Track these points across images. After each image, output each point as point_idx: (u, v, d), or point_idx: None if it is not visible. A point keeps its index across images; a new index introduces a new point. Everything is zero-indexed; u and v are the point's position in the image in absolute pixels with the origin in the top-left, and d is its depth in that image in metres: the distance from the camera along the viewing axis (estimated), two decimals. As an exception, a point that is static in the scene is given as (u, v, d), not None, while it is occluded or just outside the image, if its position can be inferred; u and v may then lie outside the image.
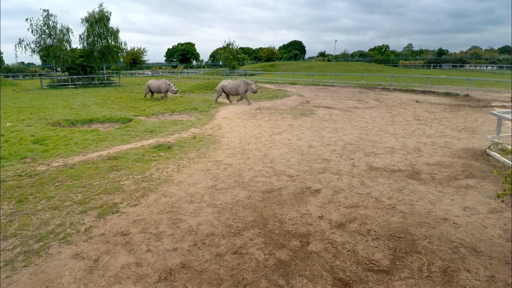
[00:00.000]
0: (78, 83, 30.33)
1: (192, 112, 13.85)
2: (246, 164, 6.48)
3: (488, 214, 4.26)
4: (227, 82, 16.73)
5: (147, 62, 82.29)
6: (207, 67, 76.94)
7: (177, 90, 18.45)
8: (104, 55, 33.14)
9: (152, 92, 18.97)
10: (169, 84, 17.83)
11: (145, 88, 19.24)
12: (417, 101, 16.29)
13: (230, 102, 16.97)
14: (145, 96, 19.27)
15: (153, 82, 18.66)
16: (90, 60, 33.23)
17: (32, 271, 3.15)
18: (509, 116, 6.89)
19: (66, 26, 31.00)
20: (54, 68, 35.98)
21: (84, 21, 31.90)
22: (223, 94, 17.02)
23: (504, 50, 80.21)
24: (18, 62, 64.82)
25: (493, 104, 14.88)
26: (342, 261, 3.28)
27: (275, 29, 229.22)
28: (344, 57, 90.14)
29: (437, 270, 3.11)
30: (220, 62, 62.56)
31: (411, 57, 79.65)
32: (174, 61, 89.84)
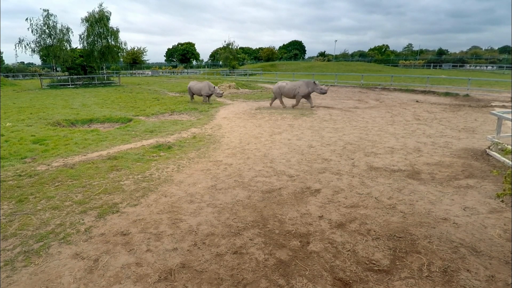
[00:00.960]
0: (78, 83, 30.33)
1: (192, 112, 13.84)
2: (246, 164, 6.48)
3: (488, 214, 4.26)
4: (285, 83, 14.73)
5: (147, 62, 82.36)
6: (207, 67, 76.95)
7: (223, 93, 16.81)
8: (104, 55, 33.12)
9: (193, 95, 17.37)
10: (214, 87, 16.15)
11: (188, 90, 17.67)
12: (417, 101, 16.29)
13: (284, 106, 14.82)
14: (191, 100, 17.43)
15: (195, 85, 17.04)
16: (90, 60, 33.21)
17: (32, 271, 3.15)
18: (509, 116, 6.89)
19: (66, 26, 31.02)
20: (54, 68, 36.02)
21: (84, 21, 31.88)
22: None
23: (504, 50, 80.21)
24: (18, 62, 64.88)
25: (493, 104, 14.89)
26: (342, 261, 3.28)
27: (275, 29, 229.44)
28: (344, 57, 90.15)
29: (437, 270, 3.11)
30: (220, 62, 62.58)
31: (411, 57, 79.67)
32: (174, 61, 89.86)
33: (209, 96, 16.69)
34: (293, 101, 15.34)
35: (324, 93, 14.09)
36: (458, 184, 5.31)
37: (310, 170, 6.09)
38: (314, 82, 14.10)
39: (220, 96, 16.64)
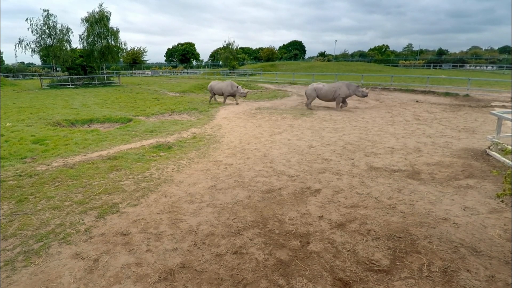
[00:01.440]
0: (78, 83, 30.35)
1: (192, 112, 13.84)
2: (246, 164, 6.48)
3: (488, 214, 4.26)
4: (321, 85, 13.80)
5: (147, 62, 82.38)
6: (207, 67, 76.96)
7: (247, 92, 15.60)
8: (104, 55, 33.13)
9: (214, 95, 16.49)
10: (237, 87, 15.21)
11: (209, 90, 16.69)
12: (417, 101, 16.28)
13: (311, 108, 13.95)
14: (210, 102, 16.59)
15: (216, 84, 16.11)
16: (90, 60, 33.23)
17: (32, 271, 3.15)
18: (509, 116, 6.89)
19: (66, 26, 31.04)
20: (54, 68, 36.01)
21: (84, 21, 31.91)
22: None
23: (504, 50, 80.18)
24: (18, 62, 64.93)
25: (493, 104, 14.88)
26: (342, 261, 3.28)
27: (275, 29, 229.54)
28: (344, 57, 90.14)
29: (437, 270, 3.11)
30: (220, 62, 62.59)
31: (411, 57, 79.65)
32: (174, 61, 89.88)
33: (233, 96, 15.71)
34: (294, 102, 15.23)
35: (365, 96, 13.40)
36: (458, 184, 5.31)
37: (310, 170, 6.09)
38: (357, 85, 13.30)
39: (244, 96, 15.55)
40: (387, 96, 18.68)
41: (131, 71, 62.43)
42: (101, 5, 32.21)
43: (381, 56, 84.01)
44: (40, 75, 46.12)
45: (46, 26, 29.83)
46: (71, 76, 31.66)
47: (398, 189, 5.13)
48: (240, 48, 73.73)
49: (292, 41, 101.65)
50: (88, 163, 6.50)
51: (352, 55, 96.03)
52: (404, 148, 7.56)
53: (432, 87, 21.20)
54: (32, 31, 29.68)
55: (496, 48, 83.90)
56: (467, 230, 3.85)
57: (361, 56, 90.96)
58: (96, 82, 31.45)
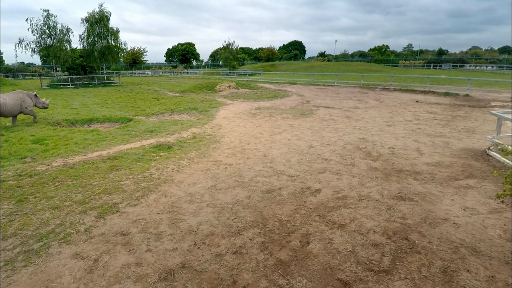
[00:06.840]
0: (78, 83, 30.36)
1: (192, 112, 13.84)
2: (246, 164, 6.48)
3: (488, 214, 4.26)
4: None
5: (147, 62, 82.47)
6: (207, 67, 76.98)
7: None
8: (104, 55, 33.12)
9: None
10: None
11: None
12: (417, 101, 16.28)
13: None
14: None
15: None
16: (90, 60, 33.23)
17: (32, 271, 3.15)
18: (509, 116, 6.89)
19: (66, 26, 31.04)
20: (54, 68, 35.98)
21: (84, 21, 31.94)
22: None
23: (504, 50, 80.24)
24: (18, 62, 65.02)
25: (493, 104, 14.88)
26: (342, 261, 3.28)
27: (274, 29, 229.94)
28: (344, 57, 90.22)
29: (437, 270, 3.11)
30: (220, 62, 62.64)
31: (411, 57, 79.66)
32: (174, 61, 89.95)
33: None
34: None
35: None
36: (458, 184, 5.30)
37: (310, 170, 6.09)
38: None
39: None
40: (387, 96, 18.67)
41: (131, 71, 62.49)
42: (101, 6, 32.24)
43: (381, 56, 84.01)
44: (40, 75, 46.17)
45: (46, 26, 29.82)
46: (71, 76, 31.67)
47: (398, 189, 5.12)
48: (240, 48, 73.82)
49: (292, 41, 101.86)
50: (88, 163, 6.50)
51: (352, 55, 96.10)
52: (404, 148, 7.56)
53: (432, 87, 21.20)
54: (32, 31, 29.70)
55: (496, 48, 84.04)
56: (467, 230, 3.85)
57: (361, 56, 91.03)
58: (96, 82, 31.46)
